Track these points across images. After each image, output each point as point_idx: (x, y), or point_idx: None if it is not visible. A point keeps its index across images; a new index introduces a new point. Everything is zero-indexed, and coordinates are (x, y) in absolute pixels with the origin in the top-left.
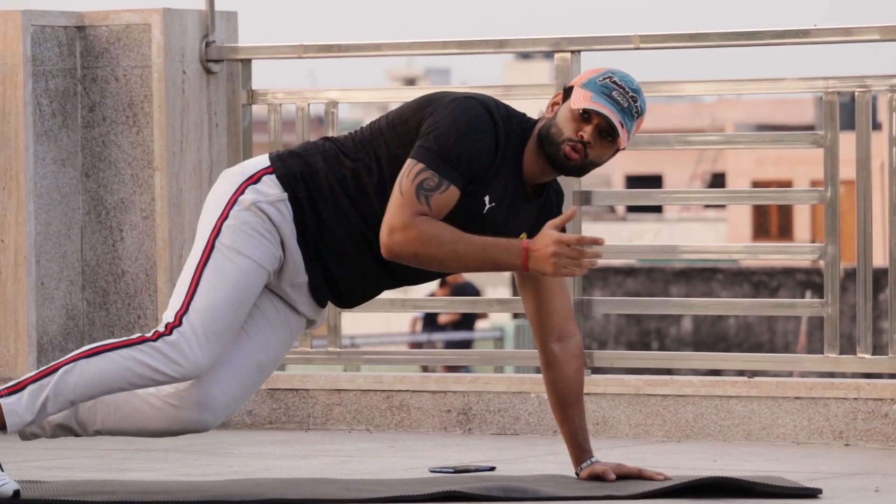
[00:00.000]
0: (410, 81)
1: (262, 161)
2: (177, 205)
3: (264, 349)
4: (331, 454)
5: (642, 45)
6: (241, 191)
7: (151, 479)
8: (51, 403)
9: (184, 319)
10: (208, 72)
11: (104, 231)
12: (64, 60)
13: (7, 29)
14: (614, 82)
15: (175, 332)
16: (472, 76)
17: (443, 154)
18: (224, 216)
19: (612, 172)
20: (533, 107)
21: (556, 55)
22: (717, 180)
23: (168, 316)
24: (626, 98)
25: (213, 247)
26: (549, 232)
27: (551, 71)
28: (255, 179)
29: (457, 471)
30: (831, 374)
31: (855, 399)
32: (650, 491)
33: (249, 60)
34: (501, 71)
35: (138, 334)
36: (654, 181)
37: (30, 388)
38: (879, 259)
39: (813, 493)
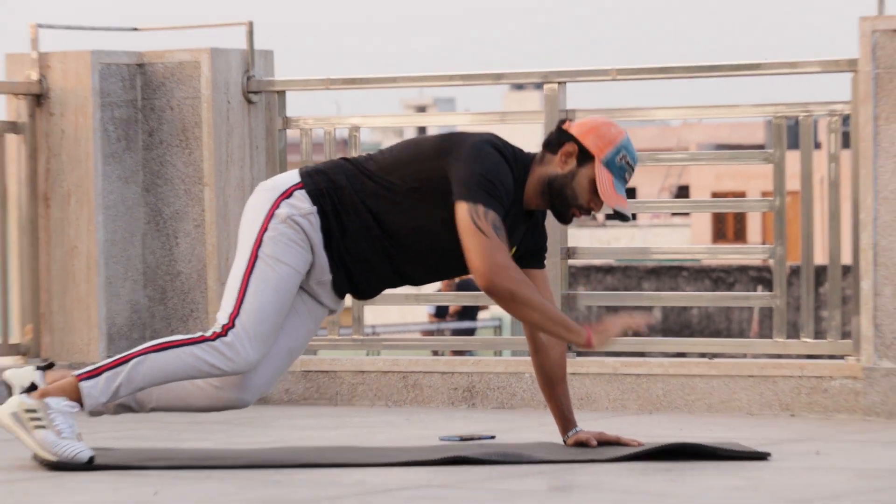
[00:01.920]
0: (421, 109)
1: (293, 177)
2: (224, 215)
3: (293, 337)
4: (356, 426)
5: (618, 77)
6: (276, 205)
7: (205, 448)
8: (123, 388)
9: (237, 322)
10: (249, 102)
11: (162, 238)
12: (126, 93)
13: (79, 67)
14: (627, 163)
15: (230, 333)
16: (473, 104)
17: (491, 192)
18: (264, 228)
19: None
20: (526, 130)
21: (546, 86)
22: (682, 192)
23: (222, 318)
24: (631, 175)
25: (256, 256)
26: (611, 334)
27: (541, 99)
28: (288, 194)
29: (462, 439)
30: (779, 356)
31: (799, 377)
32: (627, 455)
33: (284, 92)
34: (499, 100)
35: (199, 333)
36: (629, 193)
37: (105, 374)
38: (819, 258)
39: (763, 456)
